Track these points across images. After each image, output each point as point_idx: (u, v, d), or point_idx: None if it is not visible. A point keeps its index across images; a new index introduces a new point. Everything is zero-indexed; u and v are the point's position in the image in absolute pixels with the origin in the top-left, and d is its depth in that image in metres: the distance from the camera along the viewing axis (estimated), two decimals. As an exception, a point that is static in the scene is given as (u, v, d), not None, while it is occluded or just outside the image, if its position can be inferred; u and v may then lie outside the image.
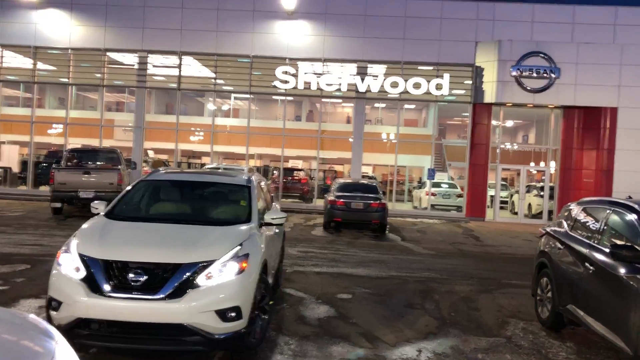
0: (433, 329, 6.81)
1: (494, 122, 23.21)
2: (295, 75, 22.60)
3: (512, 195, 26.89)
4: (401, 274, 10.26)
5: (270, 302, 5.92)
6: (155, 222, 5.98)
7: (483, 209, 22.83)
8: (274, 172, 27.12)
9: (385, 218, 16.34)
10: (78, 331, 4.87)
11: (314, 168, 26.31)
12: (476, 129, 22.81)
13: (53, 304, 4.98)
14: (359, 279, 9.55)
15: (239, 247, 5.28)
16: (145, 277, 4.84)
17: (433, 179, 23.77)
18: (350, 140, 23.61)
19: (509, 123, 31.69)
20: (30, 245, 11.19)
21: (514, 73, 21.59)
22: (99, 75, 23.75)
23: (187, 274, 4.91)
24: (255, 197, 6.47)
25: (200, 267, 4.97)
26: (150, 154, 29.00)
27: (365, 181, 19.35)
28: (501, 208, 24.83)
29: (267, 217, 6.31)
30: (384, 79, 22.46)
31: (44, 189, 21.36)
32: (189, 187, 6.90)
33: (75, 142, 24.22)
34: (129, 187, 6.63)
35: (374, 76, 22.61)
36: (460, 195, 23.98)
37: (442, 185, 25.22)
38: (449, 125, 38.34)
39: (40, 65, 24.03)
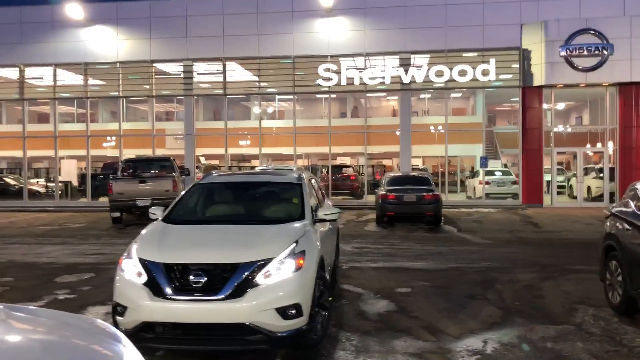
0: (497, 319, 6.62)
1: (545, 106, 22.48)
2: (337, 72, 22.54)
3: (569, 179, 26.01)
4: (460, 265, 10.05)
5: (330, 299, 5.88)
6: (211, 223, 6.06)
7: (540, 195, 22.18)
8: (323, 170, 27.15)
9: (439, 209, 16.06)
10: (144, 335, 4.96)
11: (363, 164, 26.18)
12: (527, 114, 22.18)
13: (119, 309, 5.09)
14: (417, 272, 9.41)
15: (294, 245, 5.27)
16: (205, 279, 4.89)
17: (486, 167, 23.27)
18: (398, 133, 23.36)
19: (561, 105, 30.67)
20: (94, 255, 11.55)
21: (563, 53, 20.87)
22: (147, 86, 24.34)
23: (246, 273, 4.93)
24: (307, 194, 6.46)
25: (258, 265, 4.99)
26: (202, 160, 29.56)
27: (416, 173, 19.10)
28: (559, 193, 24.08)
29: (321, 214, 6.28)
30: (428, 69, 22.14)
31: (103, 200, 22.06)
32: (241, 188, 6.96)
33: (129, 153, 24.92)
34: (183, 192, 6.74)
35: (417, 67, 22.31)
36: (515, 182, 23.35)
37: (495, 173, 24.65)
38: (499, 112, 37.50)
39: (91, 80, 24.83)
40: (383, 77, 22.47)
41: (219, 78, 23.70)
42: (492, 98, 30.30)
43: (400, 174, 18.60)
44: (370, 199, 22.05)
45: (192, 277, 4.91)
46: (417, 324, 6.44)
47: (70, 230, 15.97)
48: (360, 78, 22.49)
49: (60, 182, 25.76)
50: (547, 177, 23.29)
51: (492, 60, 21.77)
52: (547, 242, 13.14)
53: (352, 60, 22.96)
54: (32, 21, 23.77)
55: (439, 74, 22.00)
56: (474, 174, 26.29)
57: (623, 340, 5.79)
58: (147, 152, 24.34)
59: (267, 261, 5.03)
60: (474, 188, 24.62)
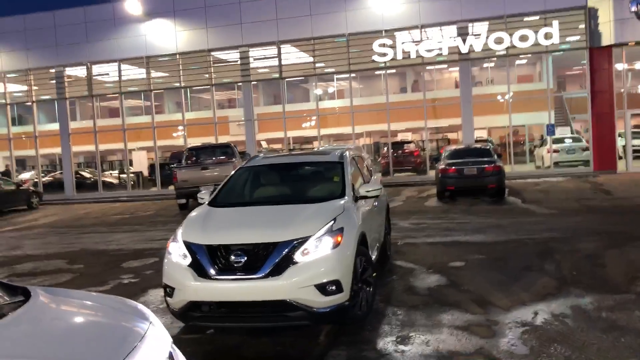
0: (552, 289, 6.41)
1: (615, 66, 21.24)
2: (393, 47, 22.20)
3: (647, 142, 24.53)
4: (520, 237, 9.75)
5: (374, 275, 5.89)
6: (254, 205, 6.19)
7: (613, 161, 21.09)
8: (384, 147, 26.95)
9: (502, 181, 15.61)
10: (191, 314, 5.18)
11: (425, 139, 25.78)
12: (596, 75, 21.05)
13: (168, 290, 5.33)
14: (474, 246, 9.22)
15: (332, 222, 5.29)
16: (245, 258, 5.02)
17: (554, 134, 22.35)
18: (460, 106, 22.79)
19: (635, 65, 28.86)
20: (159, 240, 12.04)
21: (634, 8, 19.64)
22: (206, 75, 24.91)
23: (284, 251, 5.01)
24: (348, 172, 6.44)
25: (296, 244, 5.06)
26: (264, 144, 30.05)
27: (477, 145, 18.62)
28: (635, 158, 22.77)
29: (362, 190, 6.27)
30: (487, 37, 21.41)
31: (172, 188, 22.88)
32: (284, 169, 7.06)
33: (194, 142, 25.69)
34: (229, 176, 6.90)
35: (475, 35, 21.60)
36: (586, 149, 22.31)
37: (565, 140, 23.65)
38: (569, 77, 35.78)
39: (154, 73, 25.67)
40: (440, 49, 21.93)
41: (275, 62, 23.91)
42: (560, 62, 28.97)
43: (460, 146, 18.18)
44: (432, 174, 21.71)
45: (232, 257, 5.05)
46: (467, 297, 6.34)
47: (139, 218, 16.72)
48: (417, 51, 22.06)
49: (132, 172, 26.98)
50: (621, 142, 22.12)
51: (555, 23, 20.74)
52: (617, 209, 12.52)
53: (407, 33, 22.53)
54: (95, 20, 24.80)
55: (499, 41, 21.22)
56: (542, 142, 25.31)
57: (686, 308, 5.48)
58: (211, 140, 24.99)
59: (304, 239, 5.10)
60: (542, 157, 23.74)
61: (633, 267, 7.12)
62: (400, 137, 29.89)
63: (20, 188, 21.76)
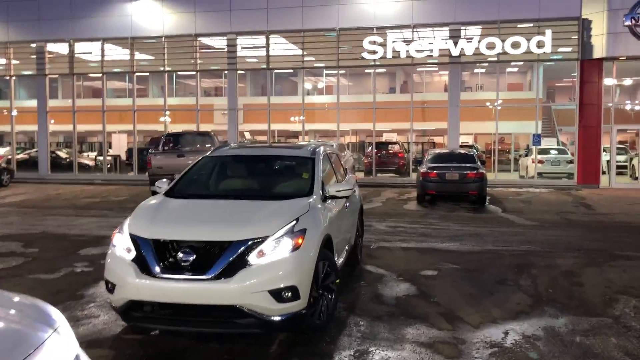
0: (526, 307, 6.06)
1: (605, 81, 21.02)
2: (383, 45, 21.78)
3: (631, 159, 24.39)
4: (497, 248, 9.42)
5: (337, 281, 5.47)
6: (214, 198, 5.74)
7: (597, 175, 20.88)
8: (369, 147, 26.59)
9: (483, 189, 15.29)
10: (132, 314, 4.75)
11: (410, 141, 25.43)
12: (585, 88, 20.82)
13: (109, 286, 4.88)
14: (449, 254, 8.87)
15: (294, 222, 4.87)
16: (193, 257, 4.58)
17: (539, 145, 22.11)
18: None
19: (623, 80, 28.78)
20: (124, 228, 11.52)
21: (628, 22, 19.38)
22: (192, 61, 24.30)
23: (238, 252, 4.59)
24: (319, 169, 6.02)
25: (251, 244, 4.63)
26: (247, 135, 29.52)
27: (461, 150, 18.29)
28: (619, 173, 22.64)
29: (332, 190, 5.85)
30: (479, 41, 21.04)
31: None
32: (251, 161, 6.62)
33: (176, 128, 25.10)
34: (191, 164, 6.45)
35: (467, 39, 21.24)
36: (571, 162, 22.11)
37: (550, 151, 23.46)
38: (558, 88, 35.74)
39: (138, 55, 25.00)
40: (431, 50, 21.54)
41: (263, 52, 23.36)
42: (551, 73, 28.82)
43: (444, 150, 17.85)
44: (415, 176, 21.38)
45: (180, 255, 4.60)
46: (436, 310, 5.96)
47: (110, 203, 16.17)
48: (407, 51, 21.65)
49: (110, 156, 26.29)
50: (606, 157, 21.95)
51: (548, 32, 20.45)
52: (598, 225, 12.25)
53: (399, 32, 22.14)
54: (81, -5, 24.05)
55: (490, 46, 20.89)
56: (527, 152, 25.12)
57: (665, 337, 5.14)
58: (193, 128, 24.41)
59: (261, 240, 4.67)
60: (527, 167, 23.51)
61: (611, 289, 6.79)
62: (385, 137, 29.53)
63: (-10, 164, 21.04)
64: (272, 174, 6.46)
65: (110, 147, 28.17)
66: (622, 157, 24.40)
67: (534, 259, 8.49)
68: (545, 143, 24.13)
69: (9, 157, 26.35)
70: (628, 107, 24.95)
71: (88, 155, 28.43)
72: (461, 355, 4.75)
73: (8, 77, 26.31)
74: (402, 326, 5.43)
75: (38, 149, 25.89)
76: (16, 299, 2.87)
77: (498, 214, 13.98)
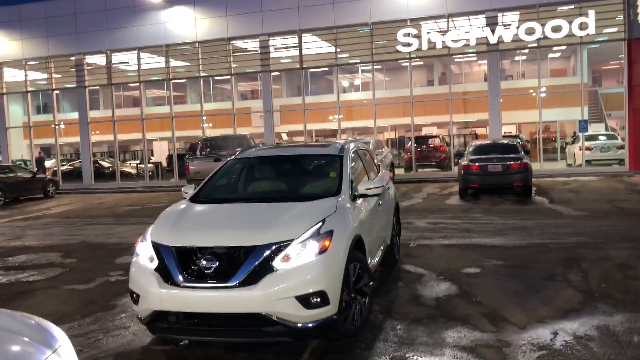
0: (576, 305, 5.63)
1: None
2: (418, 37, 21.31)
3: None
4: (544, 241, 8.94)
5: (371, 283, 5.20)
6: (238, 202, 5.54)
7: (650, 160, 19.89)
8: (409, 142, 26.10)
9: (529, 179, 14.70)
10: (157, 324, 4.59)
11: (451, 134, 24.83)
12: (634, 69, 19.86)
13: (134, 297, 4.74)
14: (492, 250, 8.45)
15: (320, 224, 4.62)
16: (217, 264, 4.39)
17: (586, 131, 21.22)
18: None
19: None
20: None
21: (677, -4, 18.35)
22: (226, 65, 24.37)
23: (262, 257, 4.36)
24: (347, 167, 5.74)
25: (275, 248, 4.40)
26: (284, 136, 29.45)
27: (503, 141, 17.66)
28: (674, 157, 21.48)
29: (361, 188, 5.57)
30: (518, 27, 20.34)
31: (188, 180, 22.47)
32: (277, 162, 6.39)
33: (214, 133, 25.25)
34: (217, 168, 6.28)
35: (505, 25, 20.55)
36: (621, 147, 21.13)
37: (598, 137, 22.48)
38: (605, 71, 34.35)
39: (173, 62, 25.25)
40: (467, 39, 20.96)
41: (296, 52, 23.23)
42: (596, 56, 27.71)
43: (485, 142, 17.27)
44: (457, 170, 20.84)
45: (203, 262, 4.42)
46: (478, 310, 5.60)
47: (150, 210, 16.28)
48: (443, 41, 21.14)
49: (151, 163, 26.65)
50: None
51: (591, 12, 19.58)
52: (653, 212, 11.55)
53: (433, 22, 21.62)
54: (115, 7, 24.45)
55: (530, 31, 20.15)
56: (574, 139, 24.17)
57: None
58: (231, 132, 24.49)
59: (286, 243, 4.44)
60: (574, 155, 22.60)
61: (671, 281, 6.28)
62: (424, 131, 28.96)
63: (37, 176, 21.58)
64: (299, 174, 6.22)
65: (151, 154, 28.59)
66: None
67: (584, 251, 7.99)
68: (593, 129, 23.17)
69: (55, 168, 27.04)
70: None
71: (130, 164, 28.92)
72: (506, 359, 4.40)
73: (50, 91, 26.99)
74: (442, 329, 5.11)
75: (81, 160, 26.47)
76: (17, 318, 2.72)
77: (545, 205, 13.38)
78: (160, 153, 29.41)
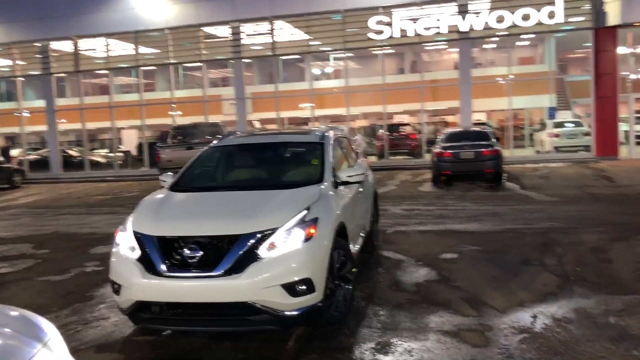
0: (553, 288, 5.76)
1: (621, 49, 20.41)
2: (389, 24, 21.32)
3: (650, 128, 23.78)
4: (518, 227, 9.10)
5: (354, 270, 5.22)
6: (220, 190, 5.49)
7: (615, 146, 20.39)
8: (380, 129, 26.20)
9: (500, 166, 14.93)
10: (140, 315, 4.54)
11: (422, 122, 25.00)
12: (600, 58, 20.25)
13: (115, 287, 4.67)
14: (468, 236, 8.57)
15: (305, 212, 4.61)
16: (201, 253, 4.34)
17: (554, 118, 21.61)
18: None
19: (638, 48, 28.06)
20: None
21: (643, -14, 18.75)
22: (197, 51, 24.00)
23: (247, 245, 4.33)
24: (329, 154, 5.74)
25: (260, 237, 4.38)
26: (257, 124, 29.23)
27: (475, 128, 17.90)
28: (638, 143, 22.07)
29: (343, 176, 5.57)
30: (489, 14, 20.50)
31: (159, 168, 22.15)
32: (257, 150, 6.34)
33: (184, 121, 24.86)
34: (195, 156, 6.19)
35: (476, 13, 20.70)
36: (587, 134, 21.61)
37: (565, 124, 22.93)
38: (571, 59, 34.90)
39: (143, 49, 24.75)
40: (438, 27, 21.06)
41: (268, 39, 23.02)
42: (563, 44, 28.11)
43: (456, 129, 17.45)
44: (429, 157, 21.01)
45: (187, 252, 4.36)
46: (459, 295, 5.69)
47: (122, 199, 16.03)
48: (415, 29, 21.20)
49: (120, 152, 26.17)
50: (624, 127, 21.40)
51: (559, 1, 19.87)
52: (621, 197, 11.85)
53: (405, 10, 21.62)
54: (83, -9, 23.81)
55: (500, 19, 20.36)
56: (542, 126, 24.61)
57: None
58: (202, 119, 24.17)
59: (271, 231, 4.41)
60: (542, 141, 23.04)
61: (642, 264, 6.46)
62: (396, 119, 29.08)
63: (2, 166, 20.99)
64: (280, 162, 6.18)
65: (120, 143, 28.06)
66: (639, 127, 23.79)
67: (558, 236, 8.17)
68: (560, 116, 23.59)
69: (21, 158, 26.35)
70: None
71: (99, 153, 28.34)
72: (489, 343, 4.48)
73: (14, 78, 26.21)
74: (425, 314, 5.17)
75: (49, 149, 25.85)
76: (4, 312, 2.64)
77: (516, 191, 13.62)
78: (130, 141, 28.93)
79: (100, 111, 26.53)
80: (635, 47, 23.27)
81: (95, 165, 26.08)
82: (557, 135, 22.00)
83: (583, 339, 4.43)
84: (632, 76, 21.37)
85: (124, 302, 4.52)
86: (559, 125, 22.51)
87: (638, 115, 23.44)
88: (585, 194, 12.59)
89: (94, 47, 25.21)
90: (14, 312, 2.64)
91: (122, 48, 24.92)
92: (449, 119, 31.27)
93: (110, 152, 27.02)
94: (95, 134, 32.58)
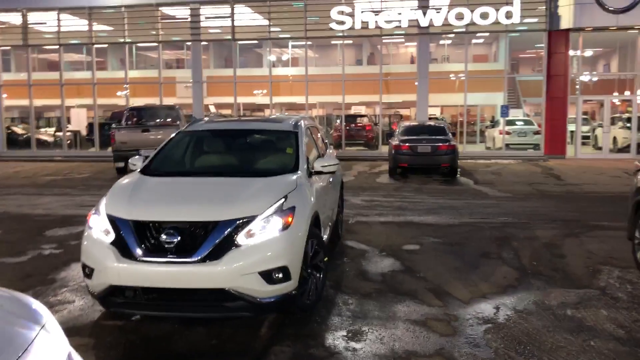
0: (512, 281, 6.01)
1: (572, 51, 21.20)
2: (351, 15, 21.40)
3: (594, 129, 24.84)
4: (474, 220, 9.40)
5: (325, 259, 5.30)
6: (193, 176, 5.46)
7: (563, 146, 21.22)
8: (337, 120, 26.35)
9: (455, 161, 15.33)
10: (113, 299, 4.48)
11: (379, 113, 25.29)
12: (552, 59, 20.97)
13: (86, 271, 4.58)
14: (428, 228, 8.79)
15: (283, 200, 4.65)
16: (178, 238, 4.31)
17: (507, 116, 22.26)
18: (416, 82, 22.33)
19: (589, 52, 29.16)
20: (91, 206, 10.97)
21: (594, -8, 19.49)
22: (154, 32, 23.44)
23: (225, 232, 4.34)
24: (303, 143, 5.78)
25: (239, 224, 4.39)
26: (212, 109, 28.85)
27: (432, 123, 18.26)
28: (583, 144, 23.05)
29: (317, 165, 5.63)
30: (448, 11, 20.88)
31: (110, 150, 21.58)
32: (231, 136, 6.30)
33: (137, 102, 24.27)
34: (166, 140, 6.11)
35: (436, 9, 21.04)
36: (537, 133, 22.38)
37: (516, 122, 23.65)
38: (523, 59, 35.93)
39: (97, 27, 23.96)
40: (399, 21, 21.28)
41: (228, 22, 22.69)
42: (516, 44, 28.87)
43: (414, 123, 17.76)
44: (384, 149, 21.27)
45: (164, 237, 4.33)
46: (423, 286, 5.86)
47: (73, 181, 15.59)
48: (376, 22, 21.34)
49: (69, 131, 25.33)
50: (571, 127, 22.27)
51: (517, 2, 20.42)
52: (569, 195, 12.39)
53: (367, 2, 21.75)
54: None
55: (459, 16, 20.76)
56: (494, 123, 25.31)
57: (654, 308, 5.15)
58: (156, 101, 23.67)
59: (250, 219, 4.43)
60: (494, 138, 23.70)
61: (593, 259, 6.81)
62: (353, 110, 29.29)
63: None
64: (254, 149, 6.18)
65: (69, 122, 27.12)
66: (586, 128, 24.81)
67: (513, 230, 8.49)
68: (511, 115, 24.31)
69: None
70: (596, 78, 25.28)
71: (46, 131, 27.31)
72: (456, 332, 4.64)
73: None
74: (392, 303, 5.31)
75: (-7, 125, 24.75)
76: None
77: (470, 186, 14.02)
78: (79, 121, 27.95)
79: (49, 88, 25.57)
80: (584, 50, 24.20)
81: (42, 144, 25.17)
82: (508, 133, 22.68)
83: (544, 330, 4.66)
84: (581, 78, 22.23)
85: (97, 285, 4.45)
86: (510, 123, 23.20)
87: (584, 116, 24.49)
88: (535, 190, 13.08)
89: (45, 21, 24.18)
90: (6, 294, 2.58)
91: (74, 24, 24.01)
92: (404, 112, 31.74)
93: (58, 131, 26.08)
94: (42, 112, 31.37)
